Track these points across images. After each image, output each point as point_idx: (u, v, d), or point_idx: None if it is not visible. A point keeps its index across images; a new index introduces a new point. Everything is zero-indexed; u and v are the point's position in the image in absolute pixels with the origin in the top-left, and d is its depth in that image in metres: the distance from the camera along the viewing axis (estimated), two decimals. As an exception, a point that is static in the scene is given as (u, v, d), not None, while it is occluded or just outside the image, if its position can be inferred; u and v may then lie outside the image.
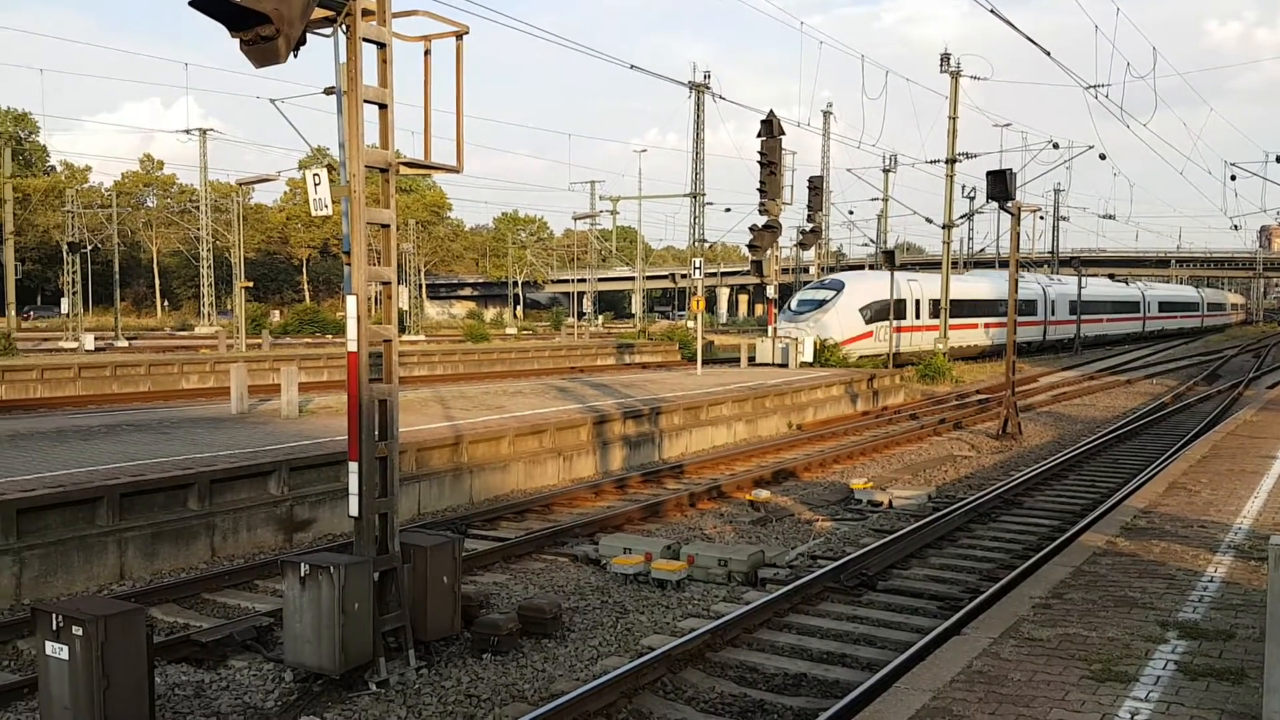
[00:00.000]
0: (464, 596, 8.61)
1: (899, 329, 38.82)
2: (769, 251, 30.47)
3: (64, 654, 6.29)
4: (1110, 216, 71.00)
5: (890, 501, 14.50)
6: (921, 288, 41.69)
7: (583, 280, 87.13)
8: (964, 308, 43.40)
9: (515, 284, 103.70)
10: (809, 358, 31.19)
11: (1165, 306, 73.73)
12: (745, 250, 34.42)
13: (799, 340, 31.21)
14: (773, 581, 10.38)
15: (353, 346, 7.82)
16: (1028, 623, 6.94)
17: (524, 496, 14.84)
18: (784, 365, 30.13)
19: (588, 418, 17.33)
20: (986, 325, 45.34)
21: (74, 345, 44.29)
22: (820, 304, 38.56)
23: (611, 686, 7.28)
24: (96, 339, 46.43)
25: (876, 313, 38.28)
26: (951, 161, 39.90)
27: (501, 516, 13.59)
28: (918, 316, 41.44)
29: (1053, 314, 52.30)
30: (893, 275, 36.30)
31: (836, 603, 9.77)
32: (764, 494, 14.59)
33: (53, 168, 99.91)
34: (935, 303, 40.56)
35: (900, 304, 39.25)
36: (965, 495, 15.09)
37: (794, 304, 40.36)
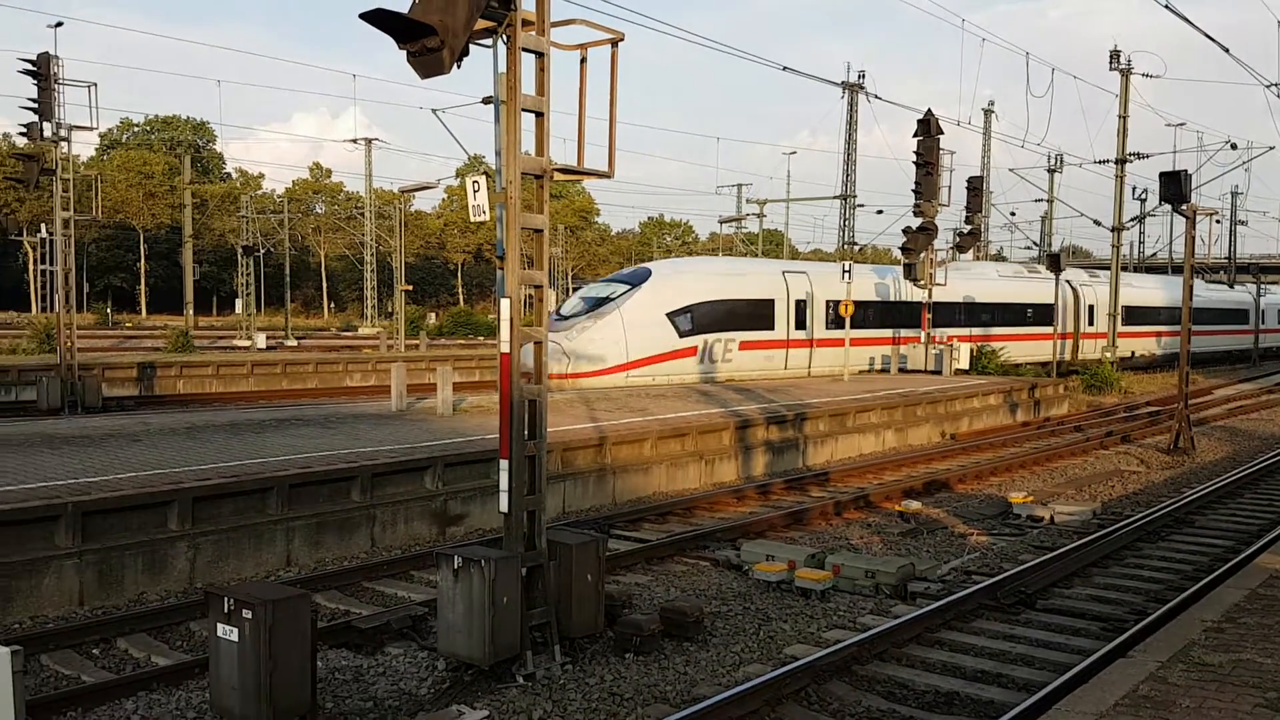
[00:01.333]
0: (607, 595, 8.71)
1: (755, 344, 27.15)
2: (924, 254, 29.73)
3: (234, 636, 6.64)
4: (1294, 220, 65.92)
5: (1052, 517, 13.93)
6: (811, 281, 28.71)
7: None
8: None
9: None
10: (964, 365, 30.27)
11: None
12: (898, 253, 33.66)
13: (954, 346, 30.02)
14: (923, 596, 10.11)
15: (505, 348, 8.01)
16: (1198, 647, 6.56)
17: (665, 499, 14.91)
18: (937, 372, 29.33)
19: (730, 422, 17.27)
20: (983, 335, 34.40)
21: (247, 344, 46.92)
22: (601, 303, 25.55)
23: (754, 694, 7.23)
24: (268, 338, 49.06)
25: (703, 320, 25.86)
26: (1121, 162, 38.12)
27: (643, 518, 13.68)
28: (800, 326, 28.63)
29: (1091, 323, 40.38)
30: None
31: (992, 620, 9.44)
32: (914, 505, 14.24)
33: (228, 174, 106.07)
34: (839, 306, 27.58)
35: (761, 308, 27.58)
36: (1133, 512, 14.37)
37: (564, 306, 27.11)
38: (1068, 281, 38.67)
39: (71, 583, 9.52)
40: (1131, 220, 45.27)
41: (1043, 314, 36.99)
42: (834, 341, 28.24)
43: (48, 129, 26.28)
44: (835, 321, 28.39)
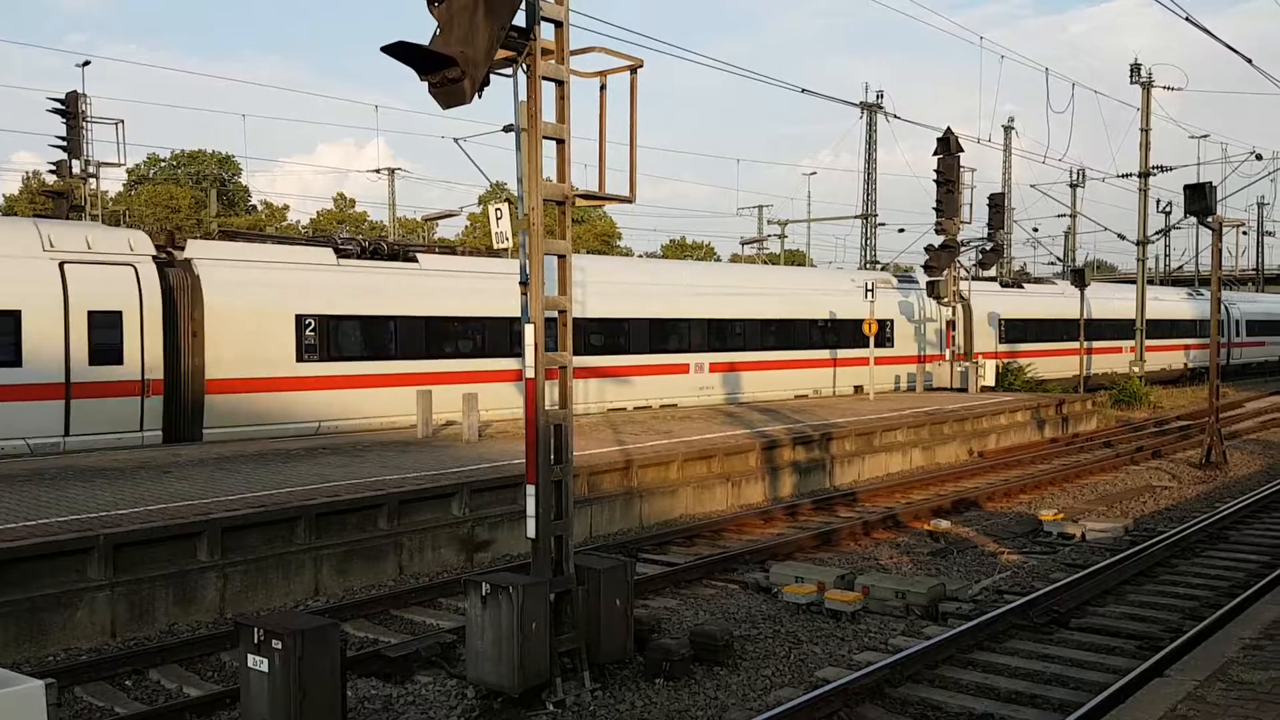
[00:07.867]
0: (635, 620, 8.68)
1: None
2: (946, 272, 29.62)
3: (264, 666, 6.65)
4: (1323, 229, 65.38)
5: (1083, 534, 13.78)
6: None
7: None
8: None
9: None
10: (991, 381, 30.06)
11: (1270, 327, 50.75)
12: (920, 272, 33.47)
13: (979, 363, 29.81)
14: (955, 616, 10.02)
15: (530, 374, 8.03)
16: (1236, 665, 6.46)
17: (693, 521, 14.86)
18: (963, 389, 29.14)
19: (756, 443, 17.21)
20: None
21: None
22: None
23: (786, 718, 7.17)
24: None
25: None
26: (1144, 175, 37.94)
27: (671, 541, 13.63)
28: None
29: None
30: None
31: (1025, 640, 9.34)
32: (944, 524, 14.12)
33: (254, 207, 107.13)
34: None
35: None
36: (1166, 528, 14.20)
37: None
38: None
39: (104, 614, 9.58)
40: (1157, 233, 44.84)
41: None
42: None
43: (76, 166, 26.70)
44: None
